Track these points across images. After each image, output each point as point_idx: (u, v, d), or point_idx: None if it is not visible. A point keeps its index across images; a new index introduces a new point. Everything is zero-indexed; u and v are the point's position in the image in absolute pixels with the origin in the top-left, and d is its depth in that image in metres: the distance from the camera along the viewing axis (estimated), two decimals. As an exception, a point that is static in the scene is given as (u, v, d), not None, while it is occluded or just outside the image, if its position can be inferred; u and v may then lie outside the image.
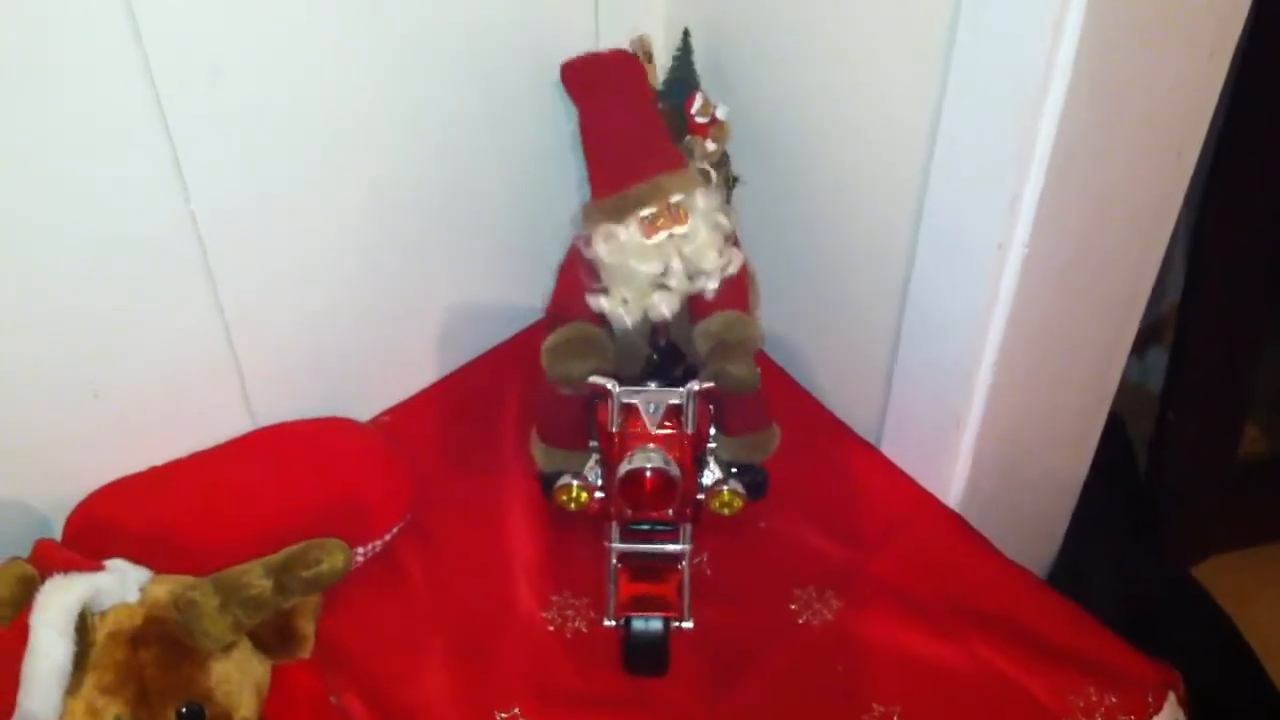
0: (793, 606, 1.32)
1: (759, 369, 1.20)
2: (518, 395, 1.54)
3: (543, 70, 1.34)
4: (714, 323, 1.22)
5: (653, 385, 1.21)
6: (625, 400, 1.19)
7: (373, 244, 1.40)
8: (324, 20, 1.21)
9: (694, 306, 1.24)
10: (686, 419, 1.19)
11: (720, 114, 1.38)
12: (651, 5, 1.45)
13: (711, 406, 1.30)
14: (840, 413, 1.53)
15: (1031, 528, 1.63)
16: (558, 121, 1.43)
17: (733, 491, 1.23)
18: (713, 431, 1.33)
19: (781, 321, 1.52)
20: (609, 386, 1.18)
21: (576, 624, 1.31)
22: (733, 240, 1.24)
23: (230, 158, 1.21)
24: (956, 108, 1.15)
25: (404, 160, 1.36)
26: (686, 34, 1.42)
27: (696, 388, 1.18)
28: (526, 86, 1.40)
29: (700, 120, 1.37)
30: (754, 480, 1.35)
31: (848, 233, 1.39)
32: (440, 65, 1.33)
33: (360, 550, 1.31)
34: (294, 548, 1.07)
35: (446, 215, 1.45)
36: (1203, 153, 1.33)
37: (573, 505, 1.24)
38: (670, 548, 1.23)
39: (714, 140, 1.38)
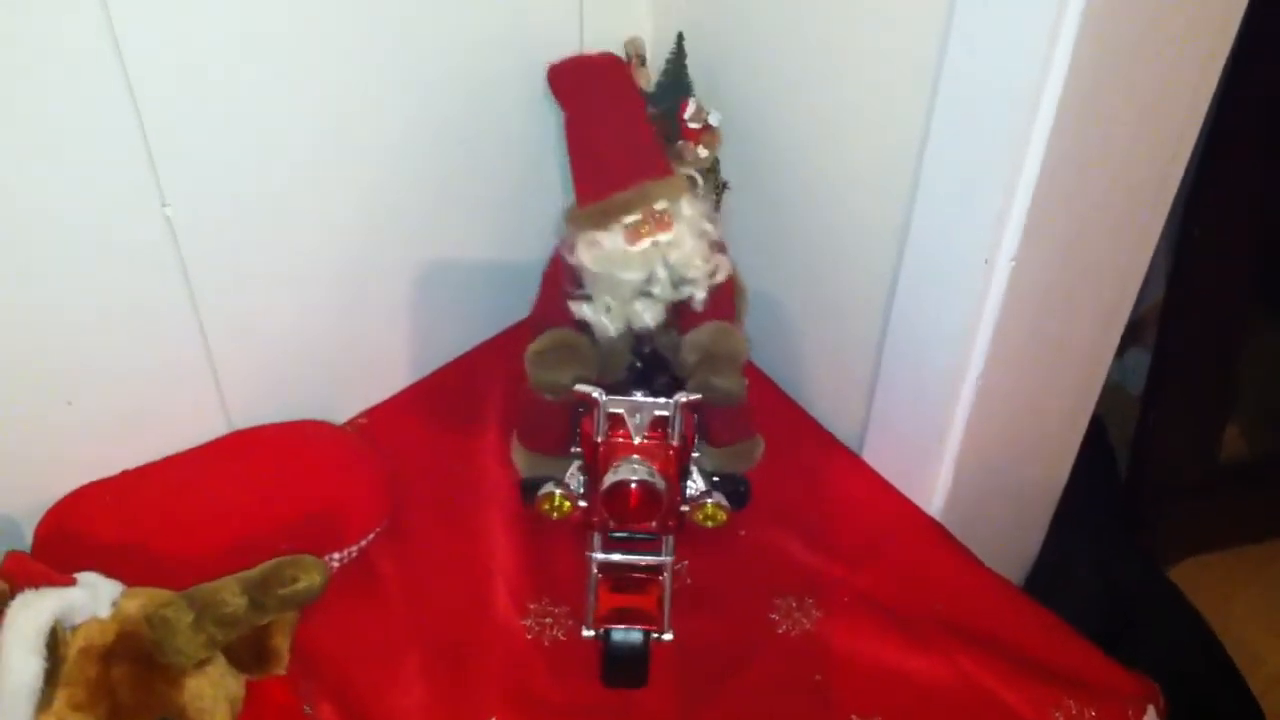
0: (773, 616, 1.32)
1: (746, 380, 1.19)
2: (497, 397, 1.52)
3: (525, 72, 1.33)
4: (702, 334, 1.21)
5: (639, 395, 1.19)
6: (611, 409, 1.17)
7: (349, 245, 1.38)
8: (307, 23, 1.19)
9: (682, 317, 1.23)
10: (672, 430, 1.18)
11: (713, 120, 1.36)
12: (636, 10, 1.44)
13: (695, 416, 1.29)
14: (824, 421, 1.52)
15: (1012, 532, 1.63)
16: (540, 121, 1.42)
17: (716, 505, 1.21)
18: (696, 440, 1.32)
19: (767, 330, 1.51)
20: (595, 395, 1.17)
21: (555, 632, 1.30)
22: (719, 248, 1.23)
23: (207, 163, 1.19)
24: (946, 122, 1.14)
25: (384, 162, 1.34)
26: (680, 38, 1.40)
27: (684, 399, 1.17)
28: (509, 87, 1.39)
29: (693, 126, 1.36)
30: (736, 490, 1.34)
31: (834, 243, 1.38)
32: (422, 68, 1.31)
33: (336, 556, 1.30)
34: (270, 564, 1.06)
35: (426, 216, 1.43)
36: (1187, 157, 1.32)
37: (555, 514, 1.22)
38: (652, 559, 1.22)
39: (705, 147, 1.36)
